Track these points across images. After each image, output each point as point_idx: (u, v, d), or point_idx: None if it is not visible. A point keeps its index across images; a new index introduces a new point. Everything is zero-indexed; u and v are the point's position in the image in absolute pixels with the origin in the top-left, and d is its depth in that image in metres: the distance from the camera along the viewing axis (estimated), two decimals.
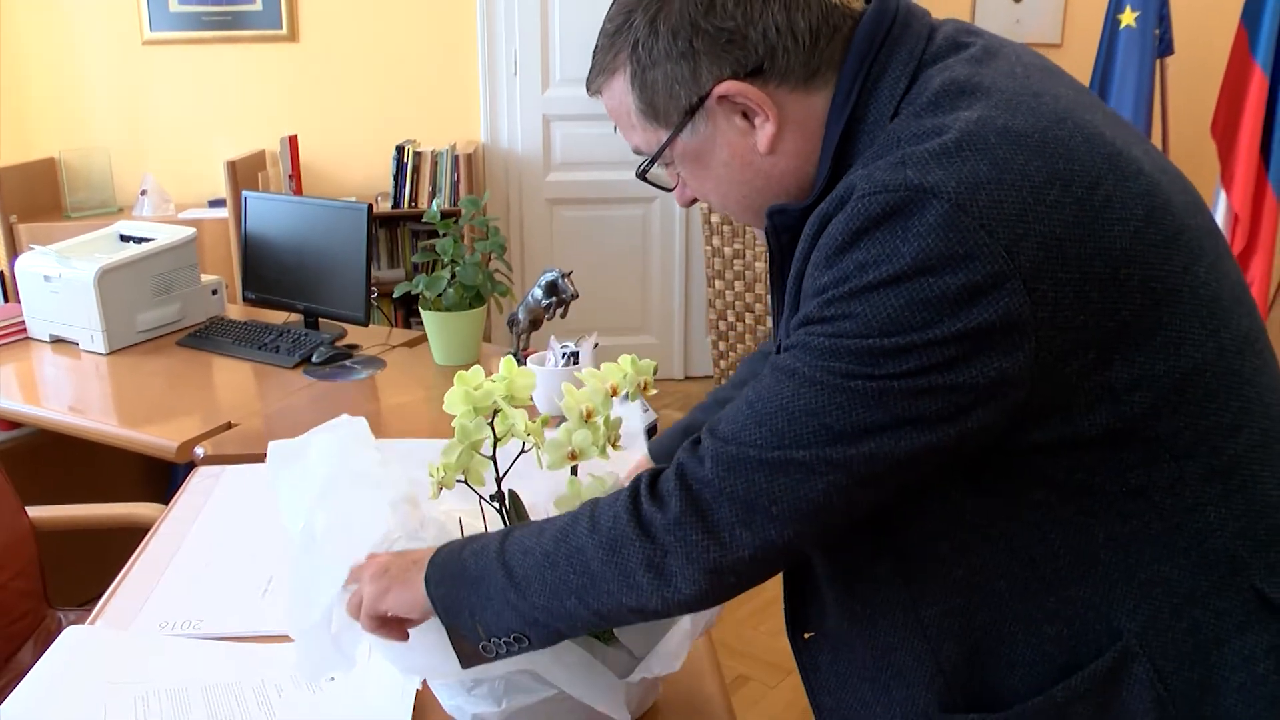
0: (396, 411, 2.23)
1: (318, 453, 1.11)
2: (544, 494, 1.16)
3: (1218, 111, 4.20)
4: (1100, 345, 0.80)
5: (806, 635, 1.03)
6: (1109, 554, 0.85)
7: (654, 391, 1.17)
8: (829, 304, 0.81)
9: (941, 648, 0.91)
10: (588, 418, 1.11)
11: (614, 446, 1.12)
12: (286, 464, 1.12)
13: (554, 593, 0.91)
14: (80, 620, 1.43)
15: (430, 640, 0.99)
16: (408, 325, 4.13)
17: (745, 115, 0.91)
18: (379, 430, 2.01)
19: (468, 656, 0.98)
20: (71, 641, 1.35)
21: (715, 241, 4.30)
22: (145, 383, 2.42)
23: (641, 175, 0.99)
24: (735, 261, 4.31)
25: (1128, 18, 3.99)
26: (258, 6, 4.20)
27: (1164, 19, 4.07)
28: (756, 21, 0.87)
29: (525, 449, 1.12)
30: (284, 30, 4.24)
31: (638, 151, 0.99)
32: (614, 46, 0.93)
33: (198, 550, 1.61)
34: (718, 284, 4.37)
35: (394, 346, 2.64)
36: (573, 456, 1.10)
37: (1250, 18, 4.03)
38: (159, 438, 2.08)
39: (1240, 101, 4.06)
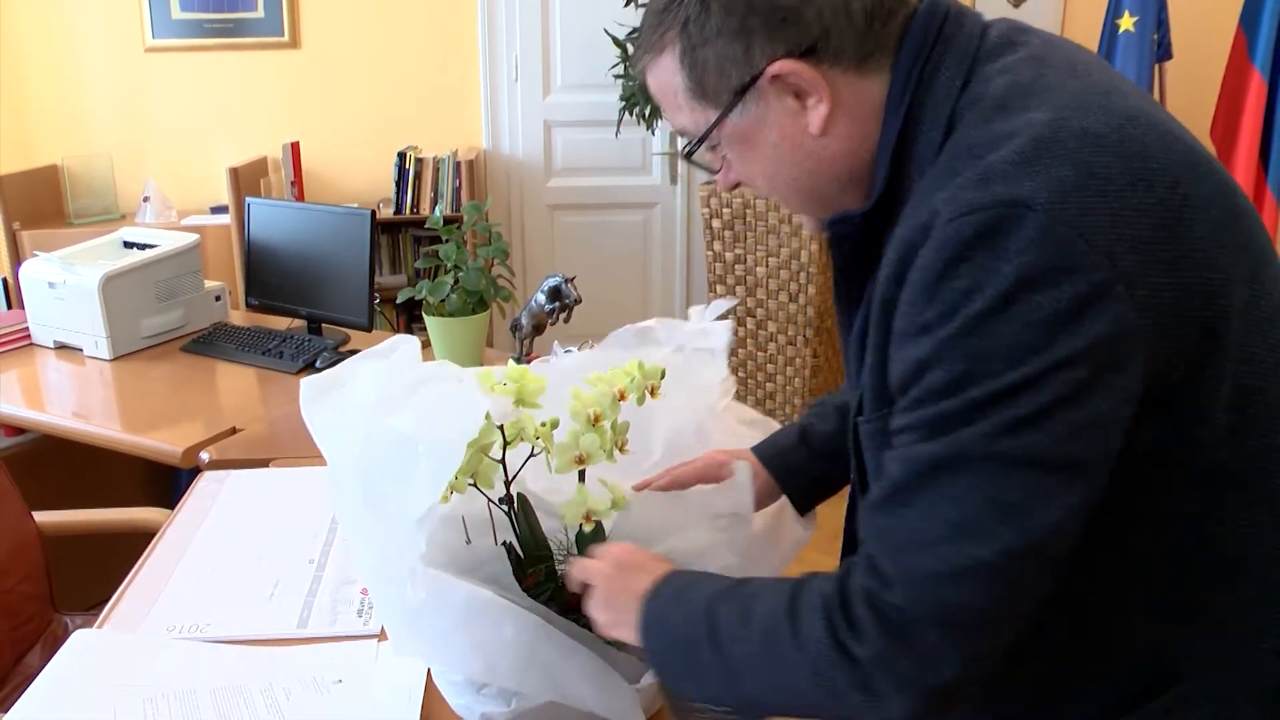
0: None
1: (363, 379, 1.10)
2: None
3: (1216, 115, 4.20)
4: (1190, 356, 0.77)
5: None
6: (1177, 587, 0.84)
7: (662, 395, 1.17)
8: (939, 346, 0.76)
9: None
10: (595, 421, 1.11)
11: (621, 450, 1.13)
12: (320, 397, 1.11)
13: (766, 691, 0.88)
14: (87, 624, 1.44)
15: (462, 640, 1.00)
16: (409, 330, 4.14)
17: (797, 96, 0.89)
18: None
19: (678, 713, 1.00)
20: (80, 645, 1.35)
21: (716, 246, 4.30)
22: (149, 388, 2.42)
23: (687, 157, 0.96)
24: (736, 267, 4.31)
25: (1126, 22, 4.00)
26: (259, 13, 4.22)
27: (1163, 24, 4.08)
28: (812, 0, 0.86)
29: (535, 453, 1.13)
30: (285, 37, 4.26)
31: (682, 132, 0.96)
32: (662, 24, 0.91)
33: (204, 554, 1.61)
34: (719, 289, 4.37)
35: None
36: (580, 461, 1.10)
37: (1249, 21, 4.04)
38: (164, 443, 2.09)
39: (1239, 105, 4.07)
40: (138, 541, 1.69)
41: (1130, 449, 0.78)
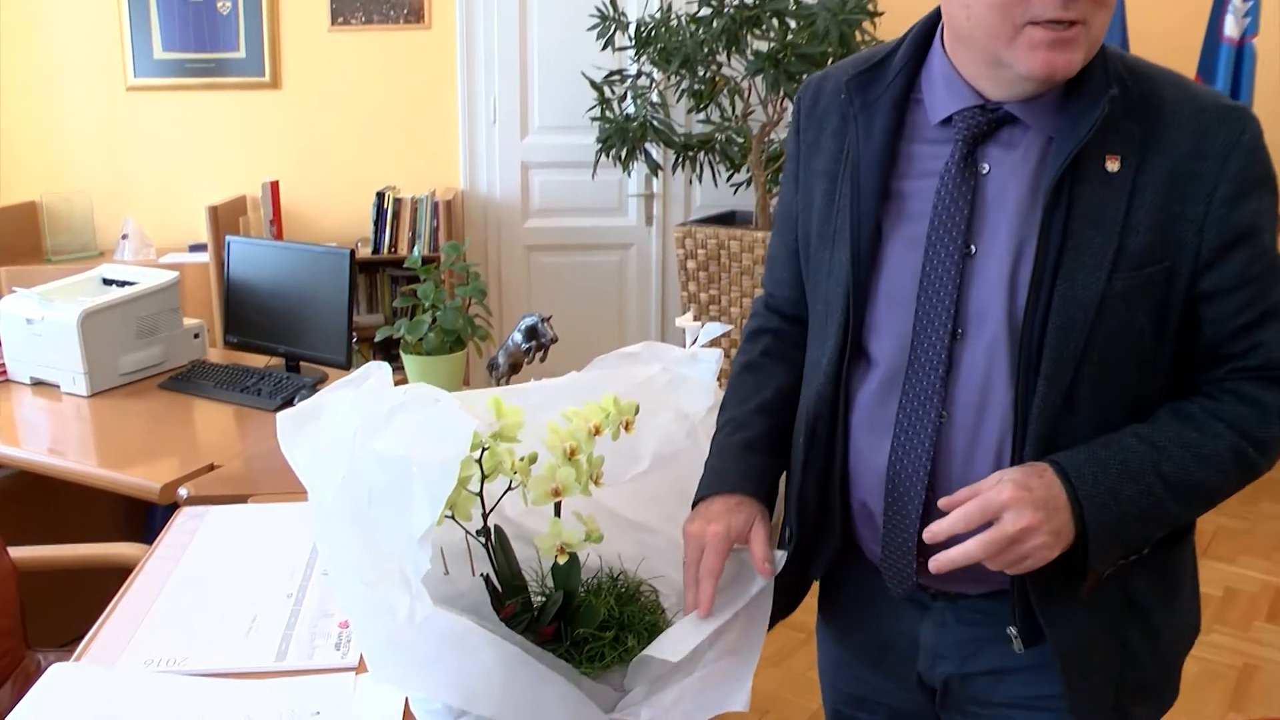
0: None
1: (338, 409, 1.13)
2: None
3: None
4: None
5: None
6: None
7: (635, 432, 1.20)
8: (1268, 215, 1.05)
9: None
10: (571, 455, 1.14)
11: (596, 484, 1.16)
12: (299, 428, 1.13)
13: (1212, 500, 1.10)
14: (61, 660, 1.44)
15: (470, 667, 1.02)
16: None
17: None
18: None
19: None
20: (56, 679, 1.36)
21: (692, 287, 4.35)
22: (127, 424, 2.44)
23: None
24: (711, 307, 4.36)
25: None
26: (241, 54, 4.26)
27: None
28: None
29: (512, 486, 1.15)
30: (266, 77, 4.30)
31: None
32: None
33: (182, 589, 1.62)
34: None
35: None
36: (556, 493, 1.13)
37: (1205, 69, 4.18)
38: (142, 479, 2.10)
39: None
40: (112, 577, 1.70)
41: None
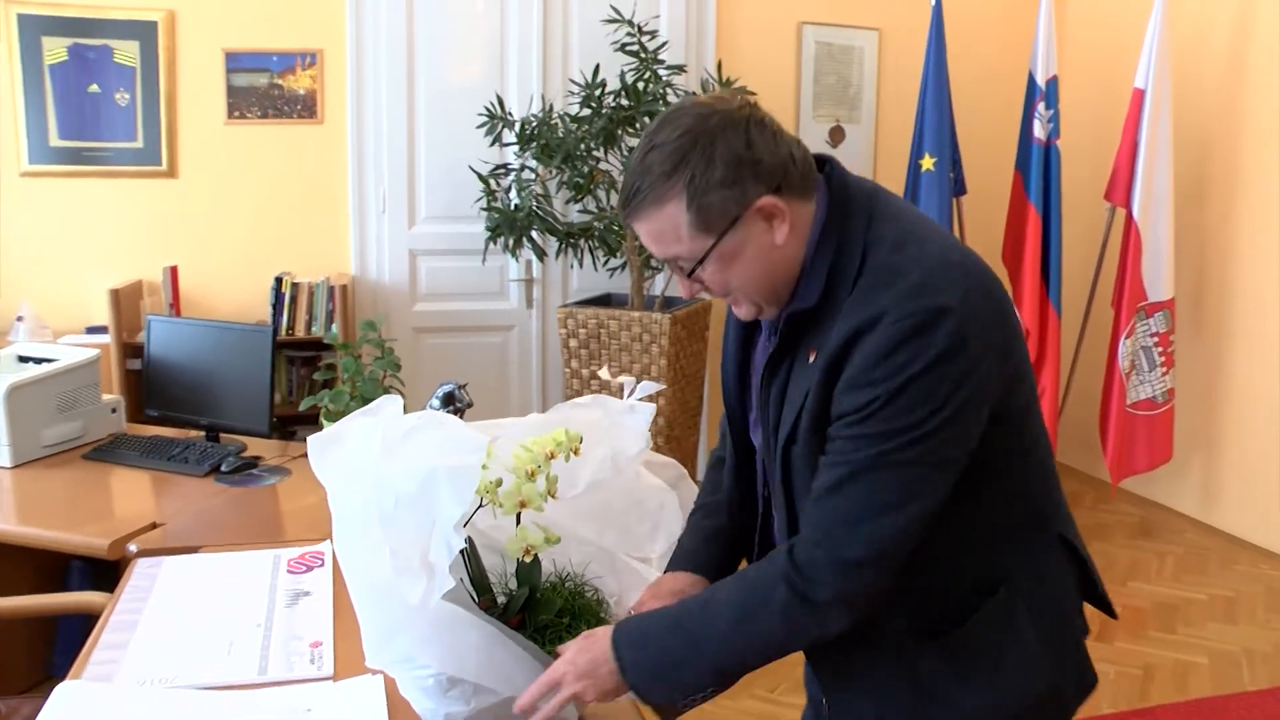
0: (306, 512, 2.44)
1: (359, 433, 1.38)
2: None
3: (1005, 242, 4.88)
4: (1006, 393, 1.26)
5: None
6: (998, 524, 1.33)
7: (581, 457, 1.49)
8: (885, 394, 1.18)
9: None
10: (531, 475, 1.41)
11: (552, 496, 1.43)
12: (326, 449, 1.39)
13: (744, 651, 1.26)
14: (25, 705, 1.57)
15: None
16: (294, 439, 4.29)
17: (768, 219, 1.25)
18: (289, 530, 2.26)
19: (666, 713, 1.35)
20: (64, 697, 1.53)
21: (574, 364, 4.64)
22: (58, 491, 2.56)
23: (691, 274, 1.29)
24: (593, 382, 4.66)
25: (927, 162, 4.64)
26: (139, 143, 4.41)
27: (956, 163, 4.75)
28: (777, 152, 1.24)
29: (483, 503, 1.42)
30: (164, 166, 4.46)
31: (675, 259, 1.29)
32: (671, 180, 1.23)
33: (156, 623, 1.79)
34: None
35: (294, 457, 2.85)
36: (521, 505, 1.40)
37: (1022, 165, 4.77)
38: (88, 537, 2.24)
39: (1022, 234, 4.74)
40: (52, 629, 1.78)
41: (985, 446, 1.25)
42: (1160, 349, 4.53)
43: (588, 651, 1.31)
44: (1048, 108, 4.64)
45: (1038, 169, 4.67)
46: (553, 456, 1.44)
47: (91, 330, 4.28)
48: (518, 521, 1.44)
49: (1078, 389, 5.02)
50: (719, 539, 1.57)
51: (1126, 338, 4.51)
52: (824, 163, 1.33)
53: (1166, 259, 4.46)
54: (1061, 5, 5.22)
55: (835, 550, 1.22)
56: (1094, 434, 4.79)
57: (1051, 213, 4.68)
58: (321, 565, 2.04)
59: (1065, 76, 4.90)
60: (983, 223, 5.11)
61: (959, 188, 4.80)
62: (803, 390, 1.28)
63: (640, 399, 1.60)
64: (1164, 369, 4.54)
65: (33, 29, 4.31)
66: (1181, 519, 4.78)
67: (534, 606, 1.44)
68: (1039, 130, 4.67)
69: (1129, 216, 4.47)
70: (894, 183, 5.03)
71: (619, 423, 1.57)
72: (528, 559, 1.41)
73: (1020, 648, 1.32)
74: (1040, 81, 4.65)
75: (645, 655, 1.29)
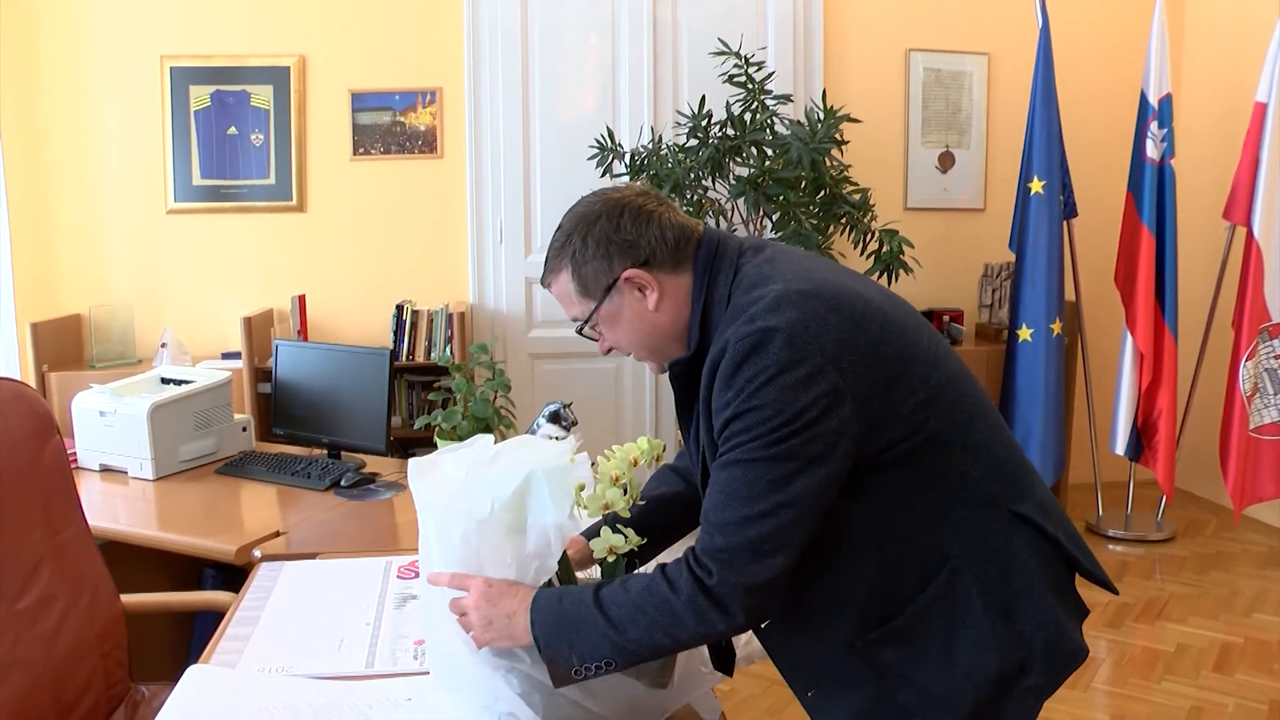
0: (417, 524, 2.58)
1: (454, 460, 1.53)
2: None
3: (1118, 265, 4.79)
4: (885, 391, 1.36)
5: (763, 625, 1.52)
6: (931, 510, 1.41)
7: (654, 467, 1.59)
8: (737, 411, 1.32)
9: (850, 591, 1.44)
10: (616, 480, 1.51)
11: (635, 501, 1.53)
12: (424, 473, 1.54)
13: (646, 631, 1.36)
14: (161, 693, 1.71)
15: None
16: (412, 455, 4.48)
17: (640, 289, 1.47)
18: (401, 540, 2.40)
19: (560, 679, 1.40)
20: (194, 678, 1.68)
21: None
22: (193, 502, 2.76)
23: (580, 332, 1.54)
24: None
25: (1036, 185, 4.60)
26: (272, 180, 4.71)
27: (1066, 186, 4.70)
28: (644, 234, 1.46)
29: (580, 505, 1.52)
30: (294, 201, 4.74)
31: (574, 320, 1.53)
32: (560, 254, 1.49)
33: (275, 620, 1.94)
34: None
35: None
36: (606, 507, 1.50)
37: (1135, 186, 4.68)
38: (219, 543, 2.41)
39: (1135, 256, 4.66)
40: (187, 627, 1.94)
41: (890, 445, 1.37)
42: None
43: (499, 603, 1.42)
44: (1161, 126, 4.57)
45: (1151, 189, 4.59)
46: (635, 464, 1.53)
47: (227, 355, 4.56)
48: (607, 522, 1.54)
49: (1196, 413, 4.89)
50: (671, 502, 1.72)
51: (1248, 360, 4.38)
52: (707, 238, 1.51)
53: None
54: (1177, 22, 5.13)
55: (711, 541, 1.35)
56: (1214, 459, 4.65)
57: (1166, 234, 4.59)
58: None
59: (1180, 94, 4.81)
60: (1095, 245, 5.04)
61: (1069, 210, 4.74)
62: (702, 430, 1.45)
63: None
64: None
65: (182, 79, 4.66)
66: None
67: None
68: (1152, 150, 4.59)
69: (1249, 235, 4.35)
70: (1004, 207, 5.01)
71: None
72: (611, 558, 1.51)
73: (971, 627, 1.41)
74: (1153, 100, 4.57)
75: (554, 612, 1.40)
